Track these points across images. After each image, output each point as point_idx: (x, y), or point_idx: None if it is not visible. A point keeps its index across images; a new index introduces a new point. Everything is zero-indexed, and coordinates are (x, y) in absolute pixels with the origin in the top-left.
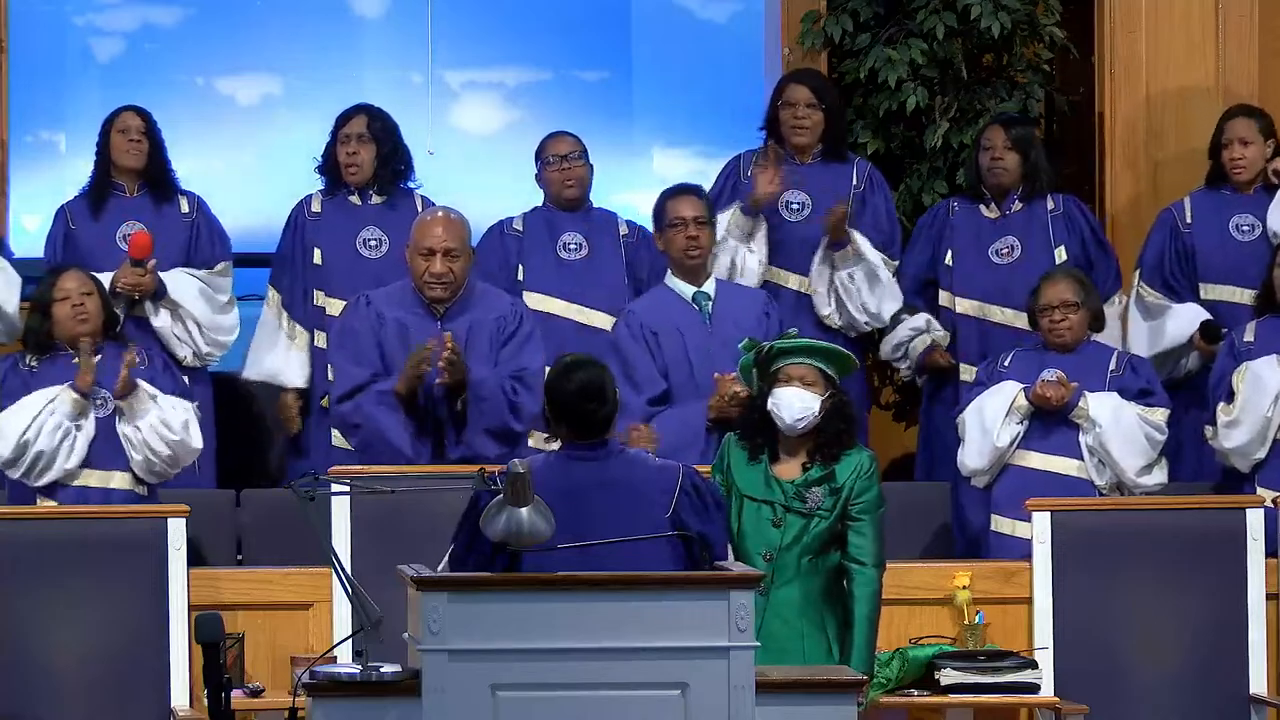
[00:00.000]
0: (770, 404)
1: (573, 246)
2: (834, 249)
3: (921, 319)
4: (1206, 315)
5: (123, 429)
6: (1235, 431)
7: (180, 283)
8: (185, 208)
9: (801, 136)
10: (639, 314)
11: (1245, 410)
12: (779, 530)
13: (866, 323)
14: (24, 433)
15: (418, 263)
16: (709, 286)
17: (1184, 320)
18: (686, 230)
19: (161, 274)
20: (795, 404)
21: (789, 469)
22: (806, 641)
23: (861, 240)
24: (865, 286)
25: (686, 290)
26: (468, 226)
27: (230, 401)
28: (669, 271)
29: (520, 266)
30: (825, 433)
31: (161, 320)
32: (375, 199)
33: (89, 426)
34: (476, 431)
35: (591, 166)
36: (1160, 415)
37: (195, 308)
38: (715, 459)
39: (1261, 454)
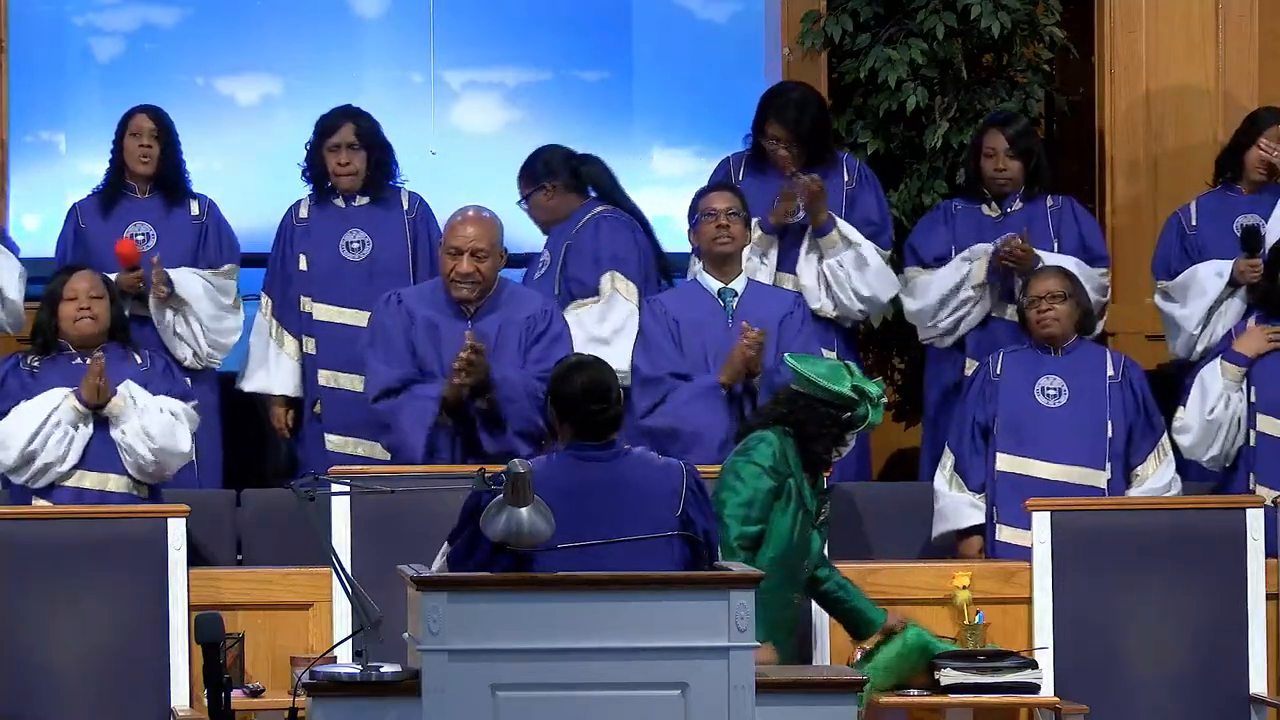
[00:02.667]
0: (838, 447)
1: (543, 261)
2: (818, 235)
3: (959, 257)
4: (1225, 263)
5: (113, 434)
6: (1184, 436)
7: (187, 281)
8: (195, 210)
9: (790, 166)
10: (664, 303)
11: (1190, 413)
12: (812, 544)
13: (861, 310)
14: (30, 442)
15: (445, 261)
16: (738, 284)
17: (1210, 269)
18: (717, 220)
19: (169, 271)
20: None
21: (810, 482)
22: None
23: (846, 225)
24: (854, 272)
25: (713, 285)
26: (500, 226)
27: (235, 403)
28: (700, 266)
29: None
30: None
31: (166, 319)
32: (360, 201)
33: (86, 428)
34: (507, 433)
35: (551, 189)
36: (1168, 450)
37: (200, 307)
38: (771, 455)
39: (1213, 451)
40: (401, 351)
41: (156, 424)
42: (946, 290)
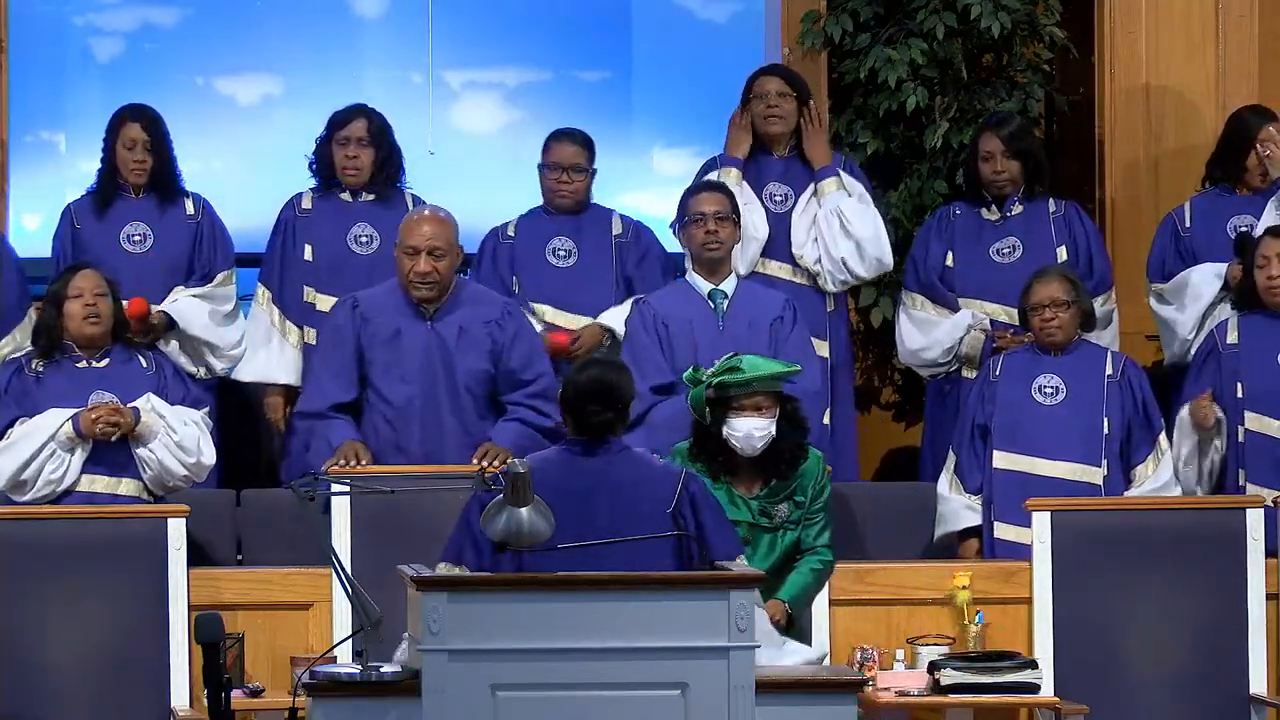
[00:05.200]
0: (726, 432)
1: (562, 253)
2: (820, 179)
3: (965, 315)
4: (1221, 265)
5: (137, 451)
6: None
7: (188, 312)
8: (190, 210)
9: (775, 126)
10: (653, 304)
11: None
12: (749, 548)
13: (847, 261)
14: (20, 472)
15: (403, 261)
16: (728, 284)
17: (1207, 271)
18: (706, 225)
19: (168, 305)
20: (754, 432)
21: (747, 484)
22: None
23: (849, 178)
24: (856, 215)
25: (704, 286)
26: (455, 225)
27: (232, 402)
28: (690, 266)
29: (515, 277)
30: (781, 446)
31: (172, 347)
32: (367, 197)
33: (83, 452)
34: None
35: (594, 171)
36: (1165, 450)
37: (206, 334)
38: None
39: (1179, 490)
40: (347, 363)
41: (187, 439)
42: (939, 353)
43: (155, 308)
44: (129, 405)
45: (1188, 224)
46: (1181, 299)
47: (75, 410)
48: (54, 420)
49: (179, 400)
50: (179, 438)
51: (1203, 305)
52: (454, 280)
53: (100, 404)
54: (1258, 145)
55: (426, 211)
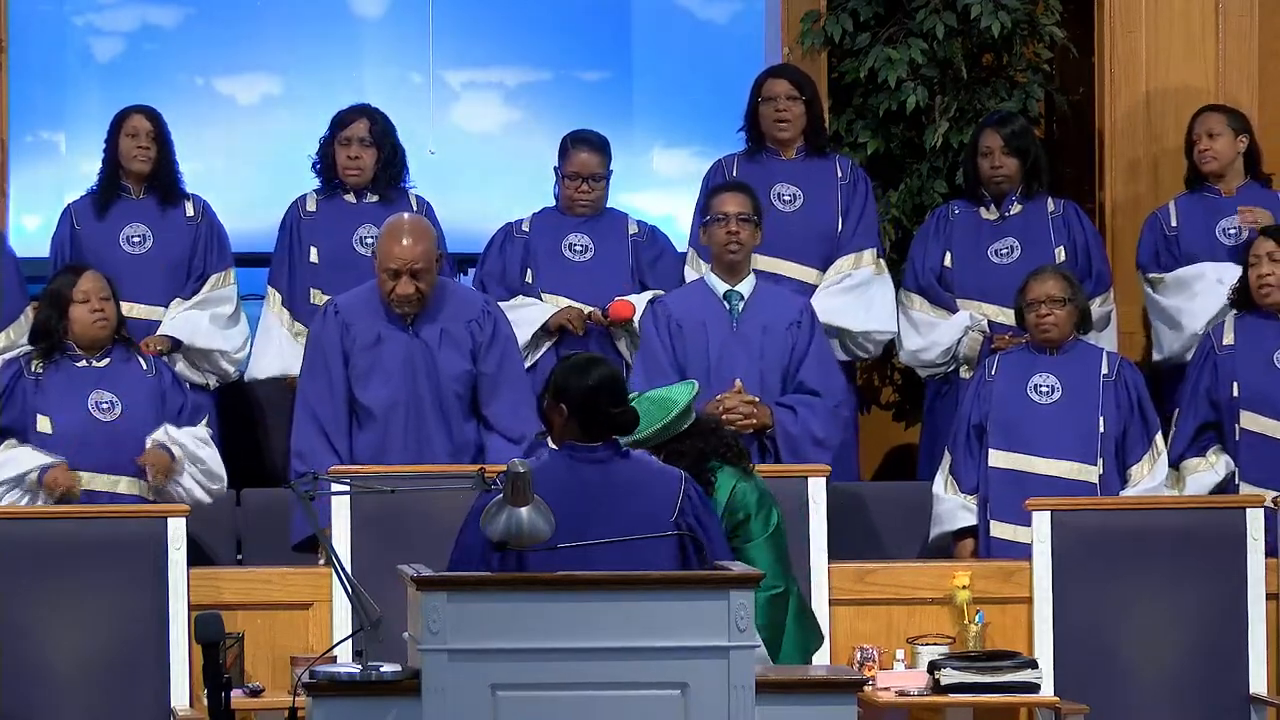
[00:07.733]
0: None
1: (579, 248)
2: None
3: (963, 316)
4: (1233, 268)
5: (166, 489)
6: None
7: (189, 326)
8: (190, 211)
9: (784, 131)
10: (668, 304)
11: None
12: None
13: (877, 345)
14: None
15: (384, 281)
16: (745, 286)
17: (1215, 272)
18: (728, 226)
19: (168, 325)
20: None
21: None
22: None
23: (828, 319)
24: (865, 339)
25: (720, 287)
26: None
27: (233, 403)
28: (710, 266)
29: (529, 270)
30: None
31: (183, 365)
32: (370, 198)
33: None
34: None
35: (611, 173)
36: (1161, 450)
37: (210, 341)
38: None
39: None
40: (338, 384)
41: (211, 462)
42: (938, 354)
43: (158, 335)
44: (153, 441)
45: (1173, 224)
46: (1190, 289)
47: (49, 461)
48: (19, 462)
49: (179, 407)
50: (205, 466)
51: (1215, 304)
52: (434, 286)
53: (61, 471)
54: (1193, 138)
55: (406, 227)
